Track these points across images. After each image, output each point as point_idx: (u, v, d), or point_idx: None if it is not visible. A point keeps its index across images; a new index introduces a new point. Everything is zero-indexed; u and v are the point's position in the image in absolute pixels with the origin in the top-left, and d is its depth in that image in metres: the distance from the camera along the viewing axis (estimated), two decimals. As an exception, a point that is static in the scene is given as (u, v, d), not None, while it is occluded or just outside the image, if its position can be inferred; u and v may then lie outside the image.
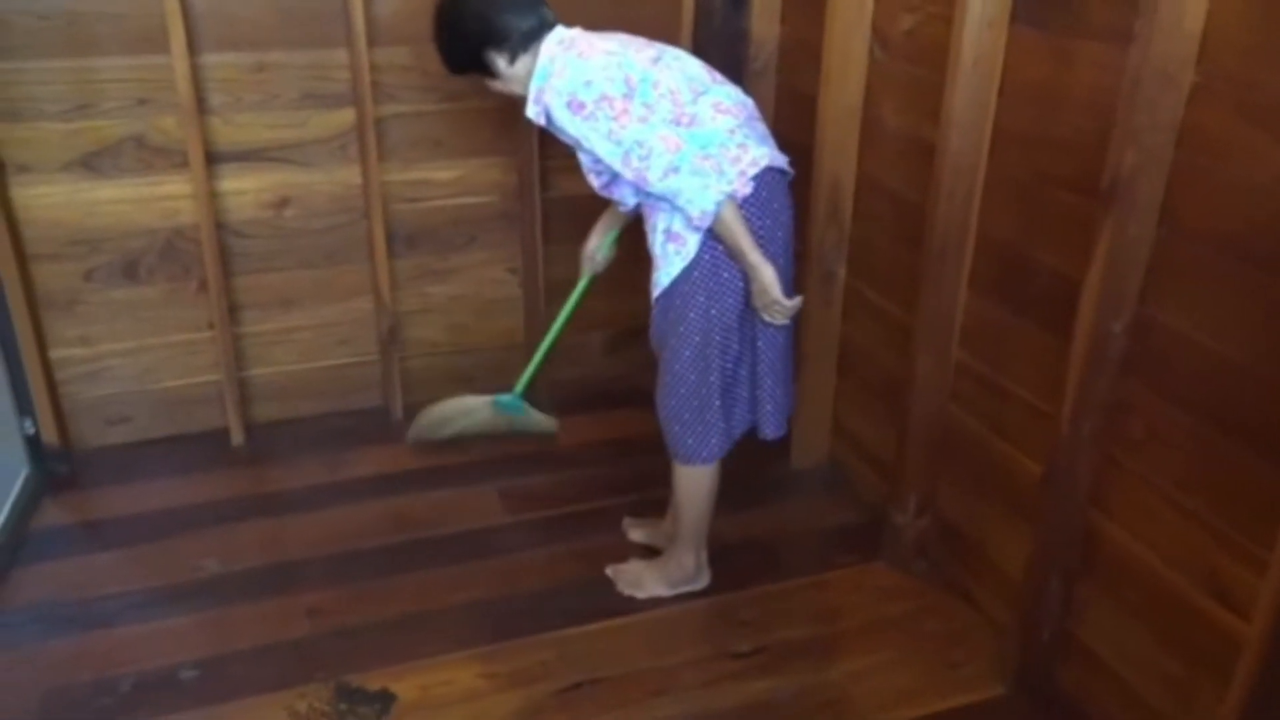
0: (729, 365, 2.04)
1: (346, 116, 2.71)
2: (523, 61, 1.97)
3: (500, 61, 1.98)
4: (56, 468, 2.71)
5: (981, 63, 1.94)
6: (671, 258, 1.96)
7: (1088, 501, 1.83)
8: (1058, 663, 1.94)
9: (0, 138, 2.46)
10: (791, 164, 2.08)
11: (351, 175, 2.78)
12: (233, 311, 2.80)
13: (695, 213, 1.88)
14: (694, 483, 2.11)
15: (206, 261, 2.69)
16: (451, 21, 2.03)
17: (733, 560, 2.37)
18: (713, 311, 1.97)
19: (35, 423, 2.69)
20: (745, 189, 1.91)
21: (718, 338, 1.99)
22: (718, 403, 2.04)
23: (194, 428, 2.87)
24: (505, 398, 2.74)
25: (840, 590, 2.29)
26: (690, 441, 2.05)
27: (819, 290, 2.56)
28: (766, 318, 1.99)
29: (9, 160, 2.49)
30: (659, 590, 2.23)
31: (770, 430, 2.14)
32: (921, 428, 2.25)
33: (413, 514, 2.53)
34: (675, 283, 1.97)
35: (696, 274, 1.95)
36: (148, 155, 2.60)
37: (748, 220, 1.91)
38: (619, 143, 1.86)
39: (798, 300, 2.00)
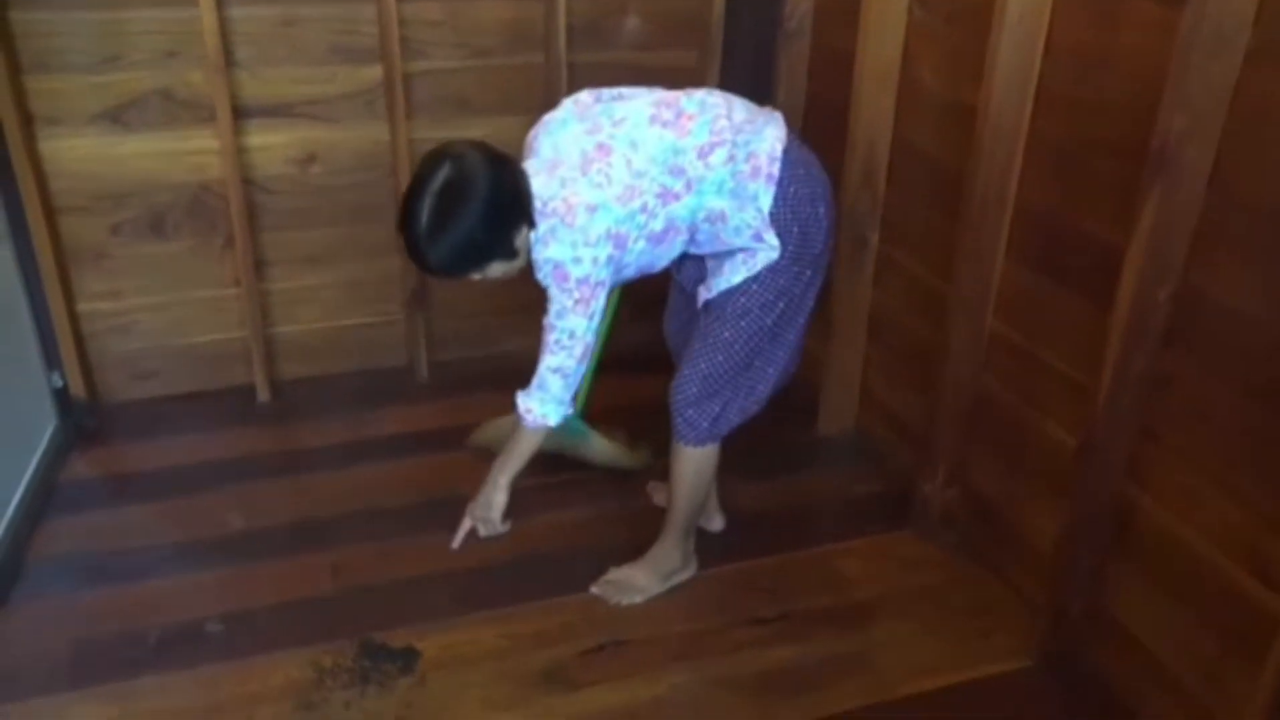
0: (767, 355, 2.00)
1: (374, 72, 2.68)
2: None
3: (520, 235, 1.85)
4: (84, 421, 2.72)
5: (1026, 21, 1.89)
6: (738, 267, 1.91)
7: (1124, 475, 1.80)
8: (1087, 638, 1.92)
9: (29, 89, 2.45)
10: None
11: (379, 132, 2.75)
12: (259, 268, 2.79)
13: (531, 407, 1.96)
14: (698, 464, 2.04)
15: (233, 217, 2.68)
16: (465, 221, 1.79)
17: (756, 527, 2.36)
18: (767, 320, 1.93)
19: (63, 376, 2.69)
20: (769, 194, 1.85)
21: (768, 336, 1.96)
22: (747, 386, 2.00)
23: (220, 384, 2.87)
24: (569, 422, 2.29)
25: (865, 559, 2.27)
26: (705, 426, 1.99)
27: (850, 256, 2.52)
28: (469, 519, 2.19)
29: (37, 113, 2.48)
30: (653, 587, 2.14)
31: (795, 366, 2.10)
32: (953, 397, 2.21)
33: (437, 474, 2.52)
34: (735, 290, 1.91)
35: (756, 286, 1.91)
36: (175, 109, 2.59)
37: (793, 206, 1.87)
38: (560, 316, 1.87)
39: (503, 529, 2.19)
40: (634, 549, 2.18)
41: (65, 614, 2.06)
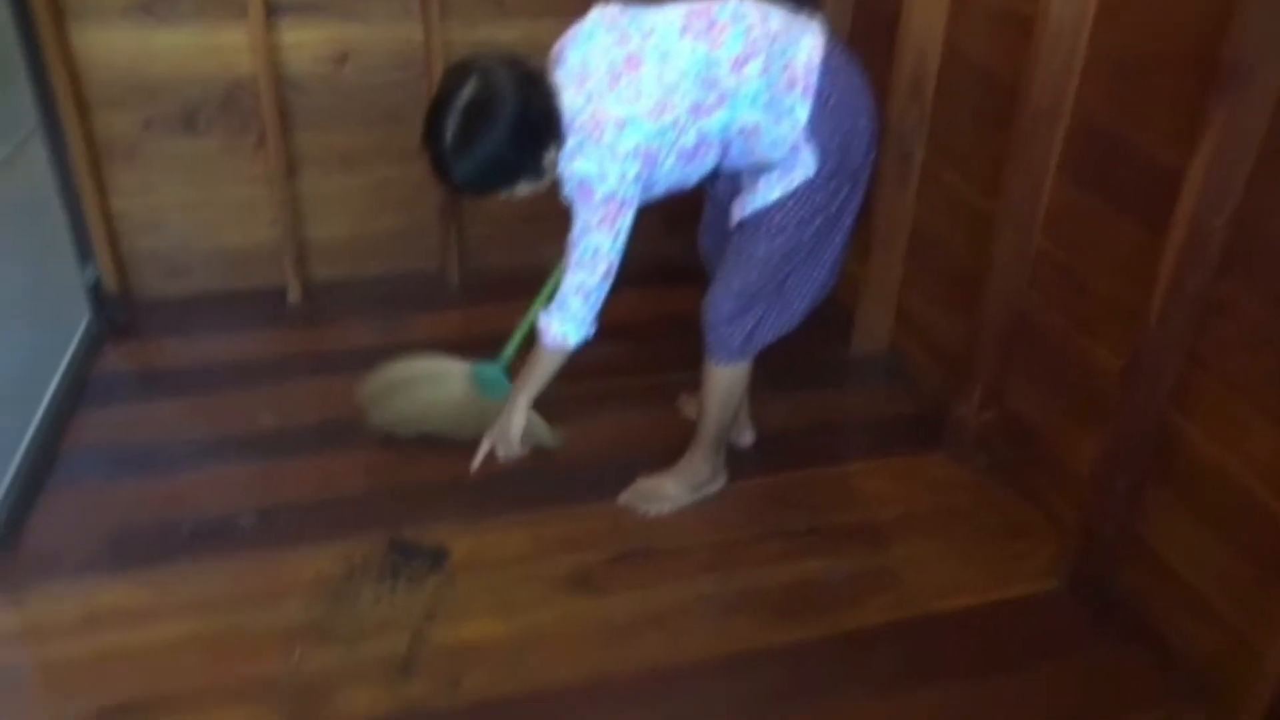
0: (803, 272, 1.96)
1: (409, -32, 2.62)
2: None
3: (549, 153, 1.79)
4: (117, 316, 2.72)
5: (1093, -76, 1.81)
6: (773, 184, 1.86)
7: (1168, 402, 1.76)
8: (1118, 563, 1.90)
9: (60, -21, 2.41)
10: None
11: (412, 31, 2.69)
12: (291, 168, 2.76)
13: (550, 325, 1.88)
14: (730, 380, 2.02)
15: (265, 115, 2.64)
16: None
17: (787, 443, 2.35)
18: (803, 238, 1.88)
19: (96, 270, 2.69)
20: (806, 107, 1.79)
21: (804, 254, 1.91)
22: (782, 303, 1.96)
23: (251, 284, 2.87)
24: (488, 368, 2.18)
25: (896, 479, 2.26)
26: (737, 343, 1.97)
27: (894, 171, 2.46)
28: (488, 441, 2.04)
29: (68, 5, 2.44)
30: (680, 498, 2.14)
31: (833, 283, 2.04)
32: (994, 318, 2.17)
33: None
34: (770, 208, 1.86)
35: (792, 203, 1.85)
36: (206, 2, 2.53)
37: (832, 118, 1.80)
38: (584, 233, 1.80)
39: (521, 451, 2.04)
40: (663, 460, 2.18)
41: (101, 502, 2.09)
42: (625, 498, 2.15)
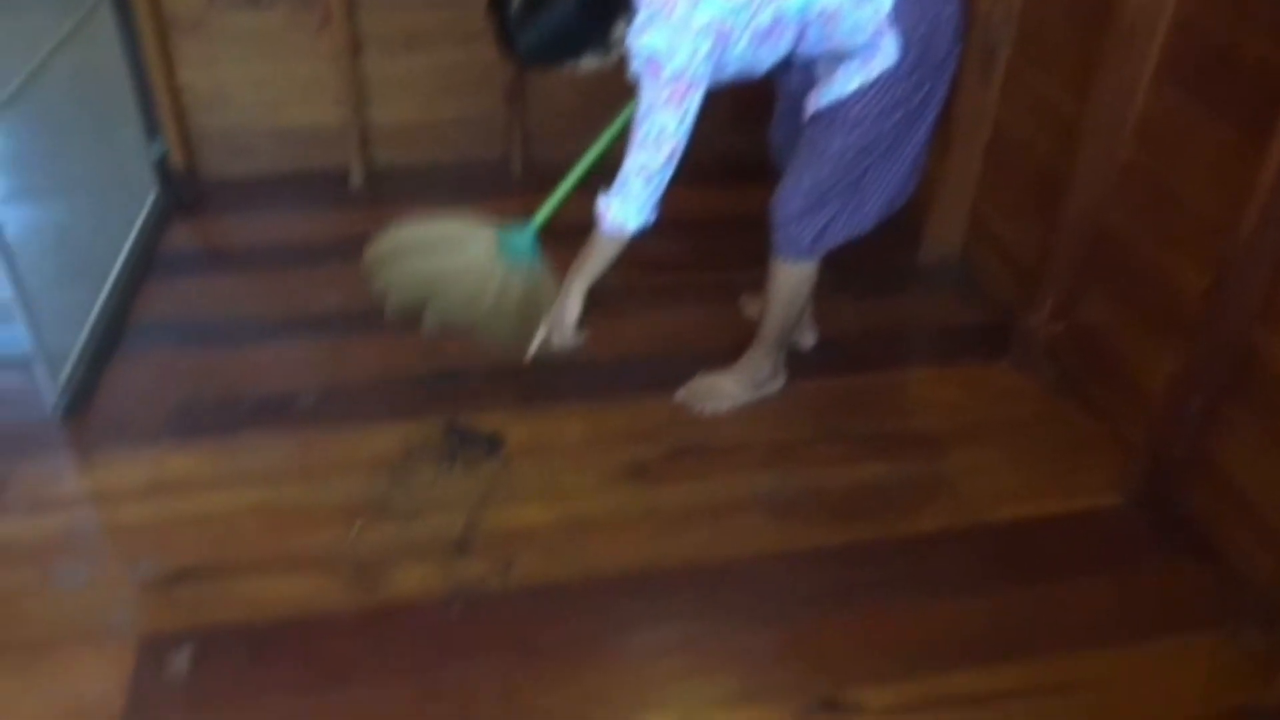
0: (879, 170, 1.88)
1: None
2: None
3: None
4: (183, 192, 2.74)
5: None
6: (851, 75, 1.78)
7: (1254, 318, 1.69)
8: (1184, 481, 1.86)
9: None
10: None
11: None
12: (355, 47, 2.71)
13: (610, 208, 1.79)
14: (797, 280, 1.98)
15: (331, -11, 2.60)
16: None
17: (850, 346, 2.31)
18: (880, 133, 1.81)
19: (163, 145, 2.70)
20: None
21: (881, 150, 1.84)
22: (855, 203, 1.90)
23: (315, 165, 2.86)
24: (515, 232, 2.03)
25: (960, 387, 2.22)
26: (806, 242, 1.91)
27: (977, 67, 2.36)
28: (544, 330, 1.94)
29: None
30: (740, 396, 2.11)
31: (913, 188, 1.97)
32: (1073, 227, 2.09)
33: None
34: (847, 99, 1.78)
35: (870, 95, 1.77)
36: None
37: (918, 5, 1.71)
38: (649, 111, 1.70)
39: (576, 340, 1.93)
40: (723, 358, 2.16)
41: (167, 372, 2.13)
42: (683, 394, 2.13)
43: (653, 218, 1.82)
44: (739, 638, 1.64)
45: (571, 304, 1.90)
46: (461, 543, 1.78)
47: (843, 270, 2.12)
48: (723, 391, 2.12)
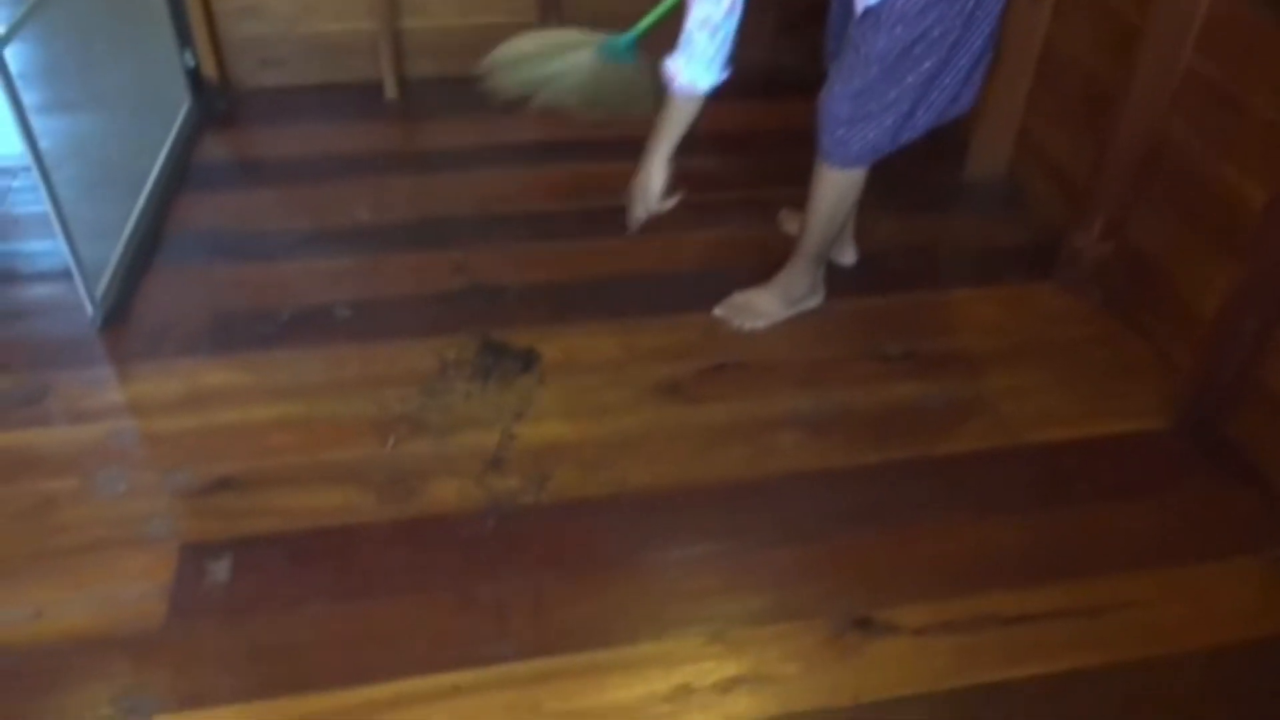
0: (927, 74, 1.81)
1: None
2: None
3: None
4: (215, 103, 2.71)
5: None
6: None
7: (1316, 236, 1.63)
8: (1232, 406, 1.81)
9: None
10: None
11: None
12: (389, -47, 2.65)
13: (678, 68, 1.75)
14: (841, 188, 1.93)
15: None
16: None
17: (891, 264, 2.27)
18: (933, 34, 1.73)
19: (195, 55, 2.66)
20: None
21: (933, 54, 1.76)
22: (904, 108, 1.83)
23: (348, 77, 2.82)
24: (616, 40, 2.01)
25: (1002, 307, 2.17)
26: (854, 148, 1.85)
27: (1031, -24, 2.26)
28: (634, 202, 1.94)
29: None
30: (777, 311, 2.08)
31: (968, 103, 1.92)
32: (1126, 142, 2.02)
33: (566, 183, 2.47)
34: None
35: None
36: None
37: None
38: None
39: (664, 206, 1.93)
40: (761, 276, 2.12)
41: (202, 285, 2.13)
42: (720, 310, 2.10)
43: (725, 75, 1.77)
44: (773, 555, 1.63)
45: (655, 171, 1.89)
46: (496, 458, 1.77)
47: (885, 186, 2.06)
48: (760, 308, 2.09)
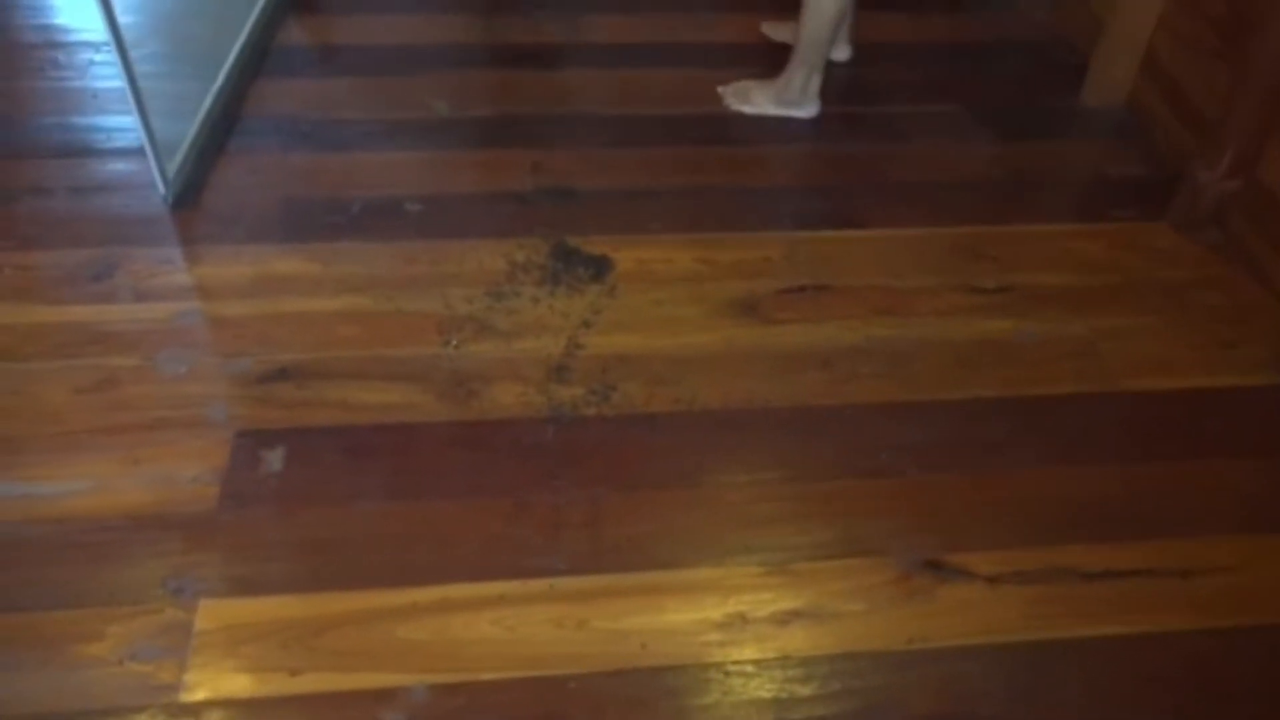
0: None
1: None
2: None
3: None
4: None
5: None
6: None
7: None
8: (1359, 364, 1.67)
9: None
10: None
11: None
12: None
13: None
14: None
15: None
16: None
17: (993, 192, 2.13)
18: None
19: (280, -64, 2.59)
20: None
21: None
22: None
23: (435, -34, 2.72)
24: None
25: (1111, 244, 2.02)
26: None
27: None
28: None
29: None
30: (766, 106, 2.24)
31: None
32: (1267, 69, 1.84)
33: (649, 88, 2.36)
34: None
35: None
36: None
37: None
38: None
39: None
40: (853, 197, 2.00)
41: (275, 171, 2.08)
42: (723, 89, 2.29)
43: None
44: (843, 487, 1.55)
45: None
46: (561, 365, 1.71)
47: (992, 110, 1.93)
48: (752, 98, 2.26)
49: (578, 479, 1.54)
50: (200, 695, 1.27)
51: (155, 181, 1.94)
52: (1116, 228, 2.06)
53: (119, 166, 2.04)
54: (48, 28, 2.48)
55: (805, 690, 1.31)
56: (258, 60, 2.38)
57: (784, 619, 1.38)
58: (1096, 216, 2.09)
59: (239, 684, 1.28)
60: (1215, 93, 2.01)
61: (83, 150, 2.10)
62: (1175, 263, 1.97)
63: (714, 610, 1.39)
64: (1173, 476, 1.59)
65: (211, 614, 1.35)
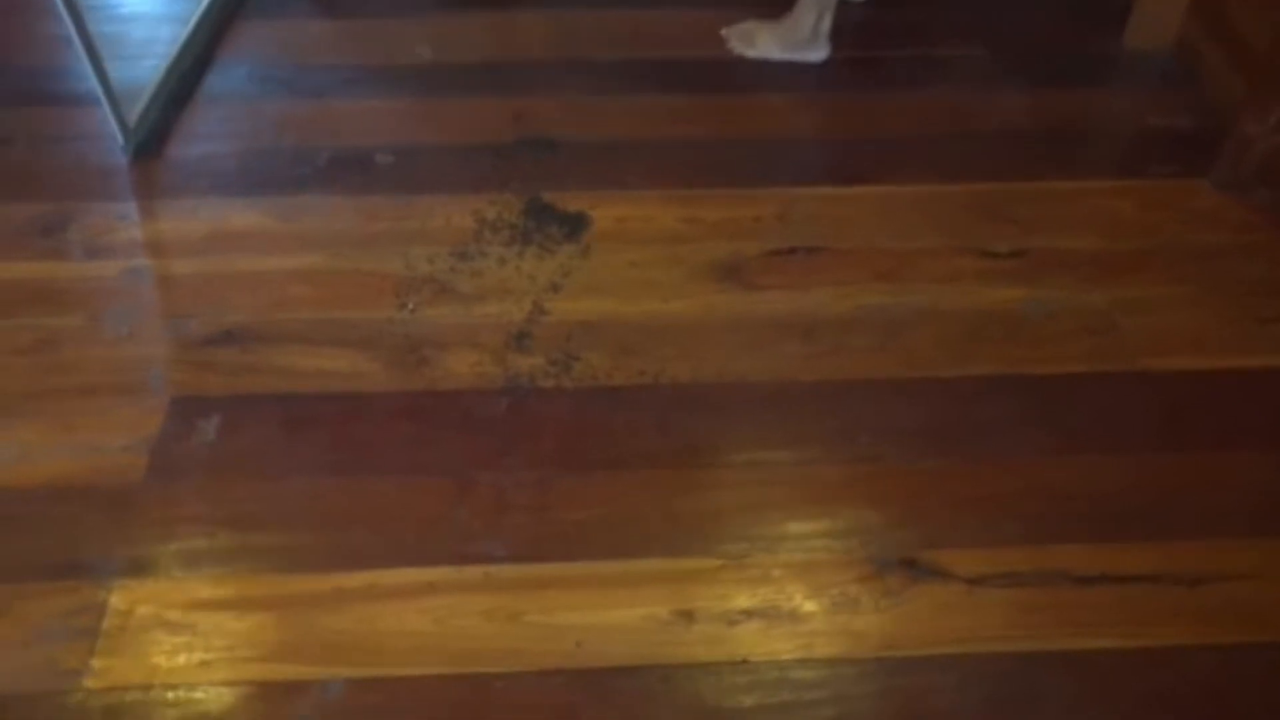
0: None
1: None
2: None
3: None
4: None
5: None
6: None
7: None
8: None
9: None
10: None
11: None
12: None
13: None
14: None
15: None
16: None
17: (1018, 145, 1.94)
18: None
19: None
20: None
21: None
22: None
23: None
24: None
25: (1144, 204, 1.82)
26: None
27: None
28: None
29: None
30: (771, 49, 2.12)
31: None
32: (1329, 7, 1.63)
33: (649, 31, 2.21)
34: None
35: None
36: None
37: None
38: None
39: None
40: (854, 155, 1.84)
41: (246, 119, 1.99)
42: (727, 30, 2.17)
43: None
44: (817, 472, 1.42)
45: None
46: (521, 332, 1.59)
47: (1027, 53, 1.75)
48: (757, 40, 2.14)
49: (528, 458, 1.43)
50: (106, 681, 1.20)
51: (114, 132, 1.85)
52: (1153, 185, 1.86)
53: (83, 115, 1.96)
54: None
55: (749, 700, 1.19)
56: (237, 2, 2.27)
57: (735, 619, 1.26)
58: (1133, 172, 1.89)
59: (146, 671, 1.21)
60: (1268, 35, 1.80)
61: (47, 98, 2.02)
62: (1214, 226, 1.77)
63: (660, 606, 1.27)
64: (1191, 470, 1.42)
65: (125, 594, 1.27)
